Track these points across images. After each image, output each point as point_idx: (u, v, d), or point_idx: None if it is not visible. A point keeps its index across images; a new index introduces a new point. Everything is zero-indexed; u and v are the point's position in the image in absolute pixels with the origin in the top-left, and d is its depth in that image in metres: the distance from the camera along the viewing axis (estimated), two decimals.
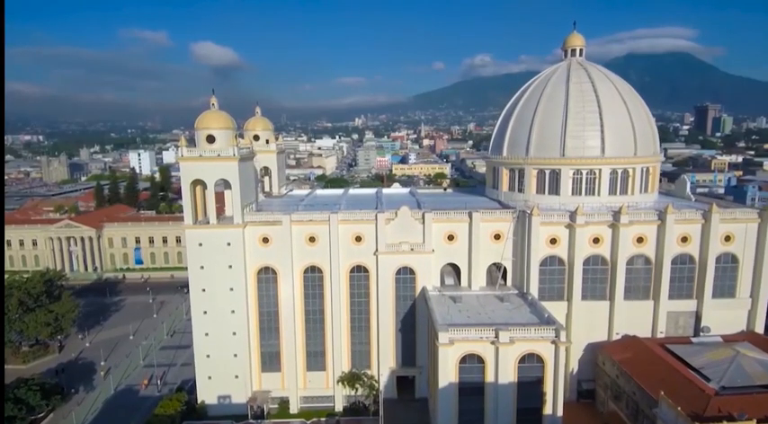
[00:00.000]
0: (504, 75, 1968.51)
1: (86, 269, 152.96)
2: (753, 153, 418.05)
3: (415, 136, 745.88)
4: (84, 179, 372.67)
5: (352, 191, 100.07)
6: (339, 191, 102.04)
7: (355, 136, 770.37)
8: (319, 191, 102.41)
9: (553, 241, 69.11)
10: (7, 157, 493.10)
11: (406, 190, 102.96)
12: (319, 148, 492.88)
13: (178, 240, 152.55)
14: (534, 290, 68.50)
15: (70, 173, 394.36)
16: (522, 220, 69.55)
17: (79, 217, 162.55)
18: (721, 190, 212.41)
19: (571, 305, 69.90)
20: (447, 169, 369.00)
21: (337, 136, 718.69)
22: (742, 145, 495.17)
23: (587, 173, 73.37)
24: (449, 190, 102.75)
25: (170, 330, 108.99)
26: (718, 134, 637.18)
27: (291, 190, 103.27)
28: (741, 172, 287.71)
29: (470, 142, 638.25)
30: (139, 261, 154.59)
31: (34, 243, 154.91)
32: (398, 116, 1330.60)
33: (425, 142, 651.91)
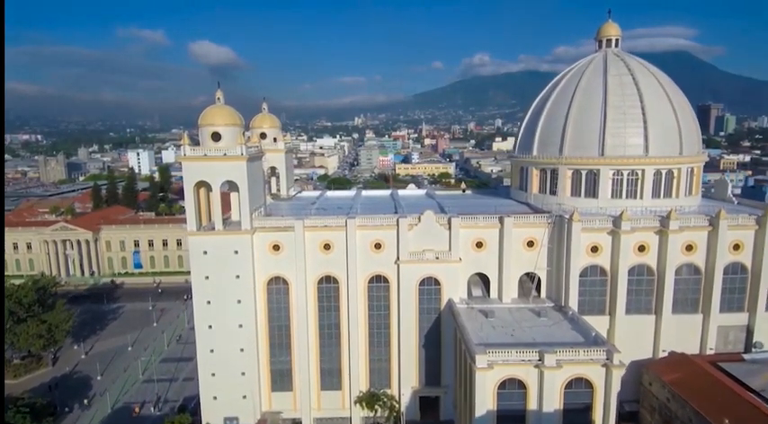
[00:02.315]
0: (503, 74, 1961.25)
1: (83, 273, 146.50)
2: (759, 152, 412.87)
3: (416, 135, 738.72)
4: (81, 179, 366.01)
5: (365, 193, 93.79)
6: (351, 193, 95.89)
7: (355, 136, 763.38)
8: (330, 193, 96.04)
9: (594, 249, 62.74)
10: (5, 157, 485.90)
11: (422, 192, 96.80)
12: (321, 147, 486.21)
13: (179, 243, 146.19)
14: (574, 303, 62.18)
15: (68, 173, 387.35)
16: (560, 226, 63.19)
17: (75, 220, 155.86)
18: (737, 191, 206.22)
19: (614, 320, 63.57)
20: (451, 168, 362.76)
21: (338, 136, 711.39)
22: (747, 144, 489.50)
23: (629, 174, 67.02)
24: (468, 192, 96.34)
25: (175, 336, 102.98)
26: (721, 133, 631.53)
27: (300, 192, 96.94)
28: (751, 172, 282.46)
29: (472, 141, 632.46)
30: (138, 265, 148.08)
31: (29, 247, 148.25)
32: (398, 115, 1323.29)
33: (427, 141, 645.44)
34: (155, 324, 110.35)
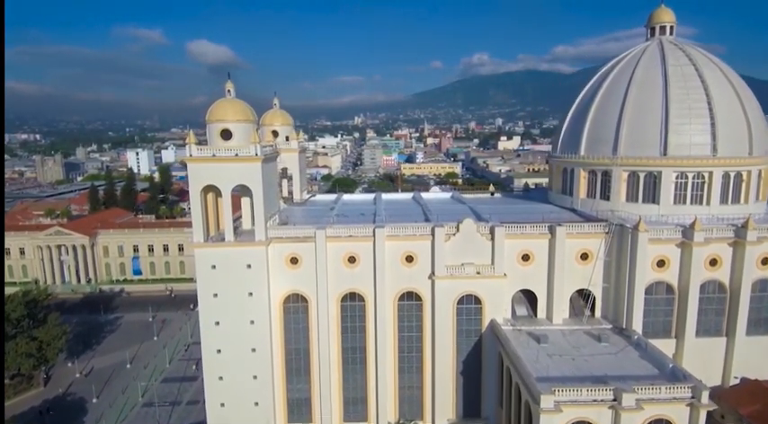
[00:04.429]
0: (503, 73, 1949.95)
1: (79, 280, 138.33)
2: None
3: (418, 134, 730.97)
4: (80, 179, 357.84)
5: (385, 197, 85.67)
6: (370, 197, 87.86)
7: (356, 135, 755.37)
8: (347, 197, 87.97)
9: (661, 263, 54.84)
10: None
11: (447, 195, 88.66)
12: (323, 147, 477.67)
13: (180, 248, 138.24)
14: (638, 326, 54.27)
15: (66, 173, 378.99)
16: (620, 236, 55.30)
17: (71, 223, 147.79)
18: None
19: (682, 344, 55.74)
20: (458, 168, 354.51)
21: (339, 135, 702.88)
22: None
23: (693, 177, 59.05)
24: (497, 195, 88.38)
25: (177, 351, 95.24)
26: None
27: (314, 195, 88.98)
28: None
29: (476, 140, 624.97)
30: (138, 272, 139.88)
31: (22, 252, 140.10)
32: (398, 114, 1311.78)
33: (429, 140, 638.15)
34: (155, 338, 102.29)
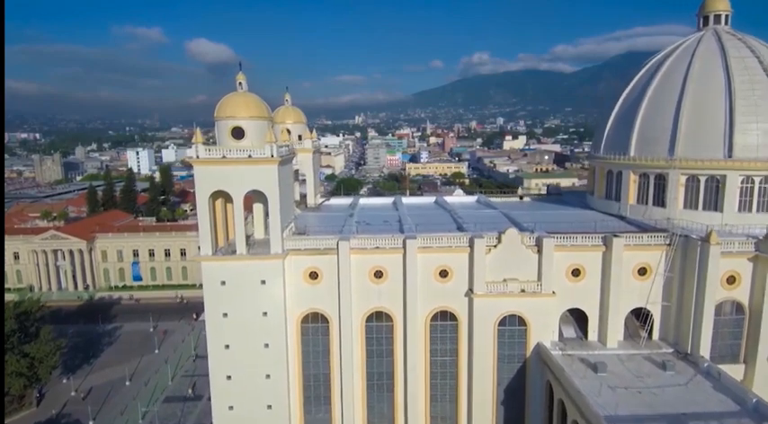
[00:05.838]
0: (503, 73, 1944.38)
1: (76, 287, 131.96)
2: None
3: (419, 134, 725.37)
4: (79, 179, 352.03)
5: (406, 201, 79.01)
6: (388, 200, 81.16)
7: (357, 134, 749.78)
8: (363, 201, 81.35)
9: (731, 279, 48.45)
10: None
11: (472, 199, 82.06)
12: (326, 146, 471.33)
13: (183, 253, 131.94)
14: (705, 350, 47.82)
15: (64, 173, 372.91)
16: (685, 248, 48.86)
17: (68, 227, 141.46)
18: None
19: (752, 370, 49.30)
20: (464, 168, 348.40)
21: (341, 134, 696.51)
22: None
23: (761, 182, 52.62)
24: (526, 199, 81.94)
25: (180, 366, 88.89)
26: None
27: (327, 199, 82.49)
28: None
29: (479, 140, 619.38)
30: (138, 278, 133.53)
31: (16, 257, 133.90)
32: (398, 114, 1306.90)
33: (432, 140, 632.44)
34: (156, 351, 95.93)
